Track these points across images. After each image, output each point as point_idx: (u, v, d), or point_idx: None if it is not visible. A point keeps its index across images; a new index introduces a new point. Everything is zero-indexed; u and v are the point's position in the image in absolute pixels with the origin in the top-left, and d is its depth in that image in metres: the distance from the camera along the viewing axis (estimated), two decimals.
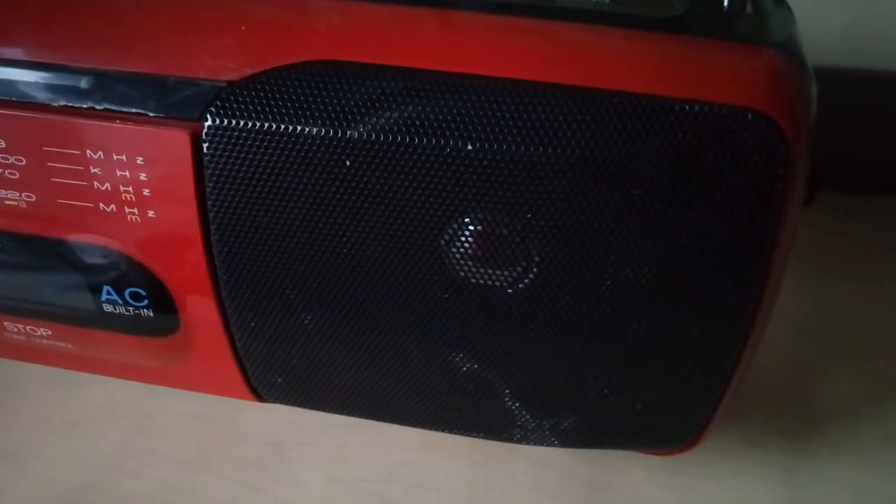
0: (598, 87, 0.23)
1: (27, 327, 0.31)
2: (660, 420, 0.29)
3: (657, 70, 0.23)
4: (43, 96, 0.25)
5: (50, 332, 0.31)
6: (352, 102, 0.24)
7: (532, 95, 0.23)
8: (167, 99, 0.24)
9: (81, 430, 0.36)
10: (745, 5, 0.25)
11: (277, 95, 0.24)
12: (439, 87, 0.23)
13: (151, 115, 0.24)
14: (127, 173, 0.25)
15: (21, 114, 0.25)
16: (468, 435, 0.31)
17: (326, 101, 0.24)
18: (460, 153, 0.23)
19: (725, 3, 0.25)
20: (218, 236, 0.26)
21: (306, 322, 0.28)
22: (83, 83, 0.25)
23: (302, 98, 0.24)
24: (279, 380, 0.30)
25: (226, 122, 0.24)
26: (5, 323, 0.31)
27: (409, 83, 0.24)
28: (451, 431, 0.31)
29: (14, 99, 0.25)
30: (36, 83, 0.25)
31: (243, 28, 0.24)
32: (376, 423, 0.33)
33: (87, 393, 0.38)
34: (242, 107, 0.24)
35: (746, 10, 0.25)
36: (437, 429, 0.31)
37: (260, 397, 0.32)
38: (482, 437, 0.31)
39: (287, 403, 0.32)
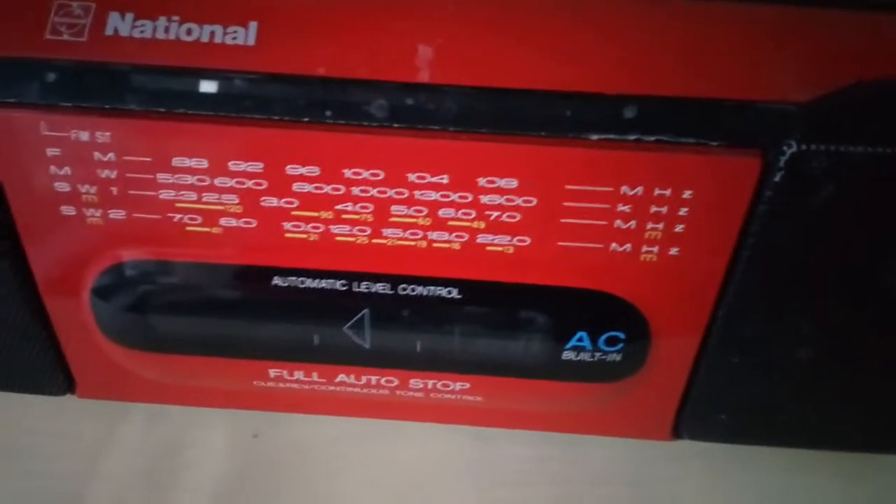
0: None
1: (439, 383, 0.28)
2: None
3: None
4: (575, 129, 0.22)
5: (468, 386, 0.28)
6: None
7: None
8: (728, 125, 0.22)
9: (420, 489, 0.33)
10: None
11: (858, 115, 0.22)
12: None
13: (714, 144, 0.22)
14: (664, 209, 0.23)
15: (552, 148, 0.22)
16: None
17: None
18: None
19: None
20: (748, 272, 0.24)
21: (801, 357, 0.26)
22: (628, 112, 0.22)
23: (884, 117, 0.22)
24: (723, 416, 0.28)
25: (806, 147, 0.22)
26: (412, 381, 0.28)
27: None
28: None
29: (542, 134, 0.22)
30: (565, 116, 0.22)
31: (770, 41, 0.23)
32: (728, 448, 0.31)
33: (401, 446, 0.35)
34: (823, 130, 0.22)
35: None
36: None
37: (676, 436, 0.30)
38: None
39: (707, 440, 0.30)
